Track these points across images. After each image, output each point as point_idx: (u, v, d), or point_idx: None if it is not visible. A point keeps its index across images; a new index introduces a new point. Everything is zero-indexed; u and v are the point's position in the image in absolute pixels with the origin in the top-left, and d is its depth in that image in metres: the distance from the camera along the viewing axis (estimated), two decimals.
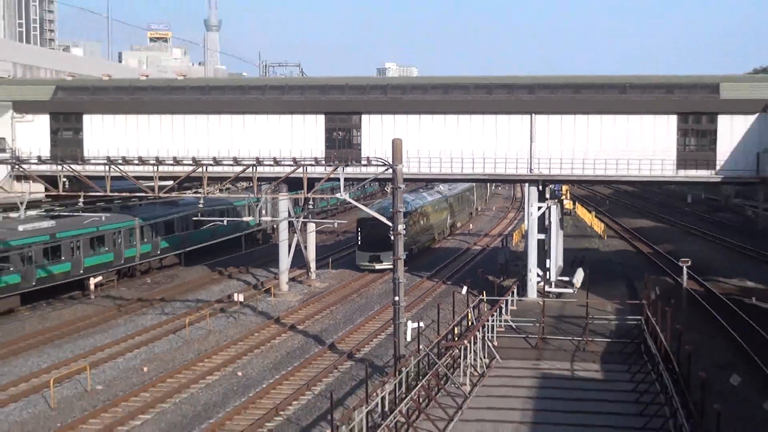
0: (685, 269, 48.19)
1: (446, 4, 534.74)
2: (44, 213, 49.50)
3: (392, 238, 34.56)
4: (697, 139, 46.67)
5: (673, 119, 46.71)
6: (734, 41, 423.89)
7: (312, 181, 38.95)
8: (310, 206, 62.64)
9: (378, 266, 57.97)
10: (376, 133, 47.37)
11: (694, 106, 46.88)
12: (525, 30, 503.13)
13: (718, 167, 46.56)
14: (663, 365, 29.97)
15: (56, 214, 49.80)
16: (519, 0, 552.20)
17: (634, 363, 33.26)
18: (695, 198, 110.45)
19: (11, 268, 43.34)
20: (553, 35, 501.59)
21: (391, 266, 39.00)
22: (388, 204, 49.66)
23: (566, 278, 50.63)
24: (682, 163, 46.78)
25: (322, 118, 49.18)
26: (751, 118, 45.77)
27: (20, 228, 44.61)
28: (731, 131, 46.10)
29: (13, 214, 46.48)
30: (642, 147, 46.51)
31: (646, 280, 49.90)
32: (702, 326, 41.10)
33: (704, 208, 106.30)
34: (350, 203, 39.97)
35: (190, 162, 37.96)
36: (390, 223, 34.75)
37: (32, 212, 47.84)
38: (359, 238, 59.73)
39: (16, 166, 43.92)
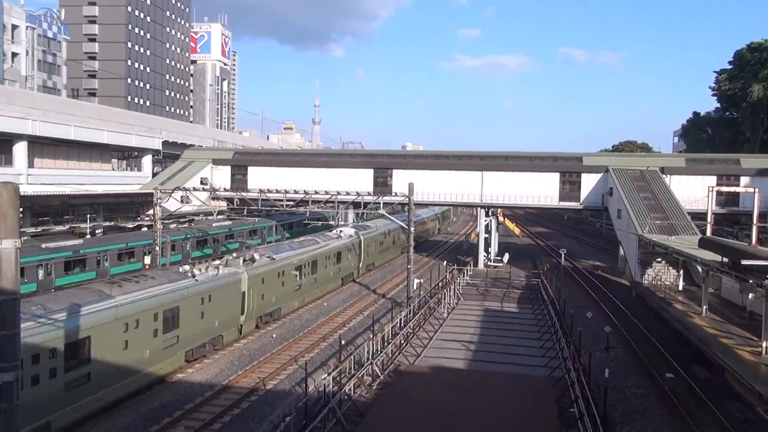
0: (562, 254, 47.79)
1: (440, 114, 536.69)
2: (226, 217, 49.93)
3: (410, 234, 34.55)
4: (570, 185, 46.43)
5: (557, 175, 46.52)
6: (591, 132, 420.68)
7: (366, 204, 39.15)
8: (363, 216, 62.33)
9: None
10: (400, 179, 47.48)
11: (569, 168, 46.67)
12: (483, 124, 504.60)
13: (581, 201, 46.30)
14: (551, 305, 29.96)
15: (232, 217, 50.27)
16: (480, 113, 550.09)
17: (535, 304, 33.27)
18: (569, 217, 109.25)
19: (208, 245, 43.99)
20: (499, 126, 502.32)
21: None
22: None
23: (499, 258, 50.46)
24: (562, 198, 46.54)
25: (371, 170, 49.44)
26: (599, 175, 45.52)
27: (214, 225, 45.18)
28: (588, 182, 45.90)
29: (210, 218, 47.07)
30: (541, 189, 46.39)
31: (542, 259, 49.78)
32: (571, 285, 40.88)
33: (573, 222, 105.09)
34: (387, 216, 39.97)
35: (302, 192, 38.40)
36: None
37: (220, 217, 48.33)
38: None
39: (213, 193, 44.79)
